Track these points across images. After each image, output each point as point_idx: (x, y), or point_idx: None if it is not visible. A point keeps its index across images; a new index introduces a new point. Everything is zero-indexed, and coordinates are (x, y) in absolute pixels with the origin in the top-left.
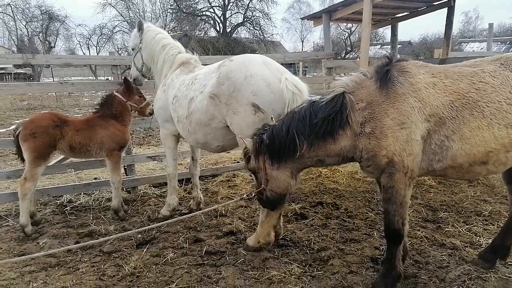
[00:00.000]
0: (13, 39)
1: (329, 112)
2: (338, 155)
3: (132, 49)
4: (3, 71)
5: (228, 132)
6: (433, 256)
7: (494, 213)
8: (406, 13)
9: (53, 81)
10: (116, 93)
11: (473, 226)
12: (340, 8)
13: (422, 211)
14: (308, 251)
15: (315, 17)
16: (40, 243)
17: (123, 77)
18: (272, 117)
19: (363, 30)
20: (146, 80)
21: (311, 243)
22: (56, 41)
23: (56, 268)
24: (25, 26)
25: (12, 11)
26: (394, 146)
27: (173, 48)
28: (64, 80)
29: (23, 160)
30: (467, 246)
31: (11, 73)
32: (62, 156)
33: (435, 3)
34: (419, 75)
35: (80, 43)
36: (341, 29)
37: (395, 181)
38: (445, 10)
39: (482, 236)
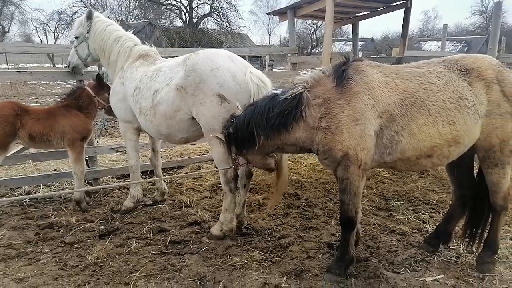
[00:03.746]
0: None
1: (285, 107)
2: (295, 145)
3: (76, 37)
4: None
5: (192, 124)
6: (384, 241)
7: (441, 202)
8: (366, 12)
9: (8, 69)
10: (87, 87)
11: (421, 214)
12: (305, 5)
13: (375, 200)
14: (269, 239)
15: (281, 13)
16: None
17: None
18: (238, 106)
19: (326, 27)
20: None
21: (273, 231)
22: (10, 25)
23: (16, 259)
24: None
25: None
26: (349, 141)
27: (127, 40)
28: (23, 70)
29: None
30: (414, 232)
31: None
32: (20, 147)
33: (393, 4)
34: (373, 74)
35: (37, 28)
36: (307, 23)
37: (350, 173)
38: (403, 10)
39: (428, 223)
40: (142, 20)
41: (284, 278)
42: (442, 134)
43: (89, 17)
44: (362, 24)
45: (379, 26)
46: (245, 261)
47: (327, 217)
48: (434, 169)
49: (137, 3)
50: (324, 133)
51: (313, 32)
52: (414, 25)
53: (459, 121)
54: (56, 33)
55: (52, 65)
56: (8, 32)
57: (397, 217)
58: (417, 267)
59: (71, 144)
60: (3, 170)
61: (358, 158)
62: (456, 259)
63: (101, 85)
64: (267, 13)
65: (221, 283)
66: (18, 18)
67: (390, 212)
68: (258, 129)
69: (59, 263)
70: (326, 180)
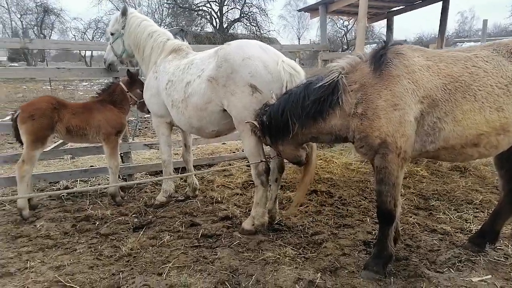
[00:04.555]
0: (7, 32)
1: (321, 95)
2: (330, 133)
3: (112, 34)
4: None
5: (223, 116)
6: (424, 241)
7: (485, 201)
8: (402, 7)
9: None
10: (120, 82)
11: (464, 213)
12: (337, 0)
13: (414, 199)
14: (302, 235)
15: (312, 9)
16: (37, 226)
17: (127, 70)
18: (272, 95)
19: (358, 22)
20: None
21: (305, 228)
22: (51, 34)
23: (53, 249)
24: (19, 19)
25: (6, 3)
26: (387, 127)
27: (161, 35)
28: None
29: (21, 143)
30: (457, 232)
31: (5, 66)
32: (59, 142)
33: None
34: (414, 57)
35: (75, 37)
36: (337, 27)
37: (388, 162)
38: (439, 7)
39: (472, 222)
40: (175, 27)
41: (319, 274)
42: (490, 121)
43: (124, 13)
44: (394, 25)
45: (412, 28)
46: (278, 256)
47: (362, 215)
48: (479, 168)
49: (170, 10)
50: (360, 120)
51: (343, 35)
52: (450, 26)
53: (509, 108)
54: (93, 41)
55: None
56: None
57: (438, 216)
58: (462, 267)
59: (106, 138)
60: (42, 167)
61: (397, 146)
62: (504, 260)
63: (134, 80)
64: (297, 10)
65: (253, 276)
66: (58, 27)
67: (430, 212)
68: (293, 117)
69: (94, 253)
70: (360, 179)
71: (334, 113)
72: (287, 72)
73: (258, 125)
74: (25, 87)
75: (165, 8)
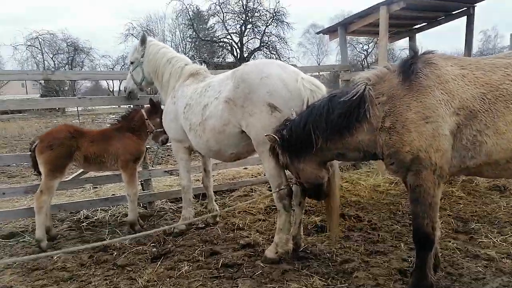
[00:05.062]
0: (38, 68)
1: (347, 108)
2: (358, 150)
3: (131, 63)
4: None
5: (242, 138)
6: (467, 268)
7: None
8: (424, 24)
9: (77, 111)
10: (142, 110)
11: (509, 236)
12: (356, 20)
13: (452, 222)
14: (330, 264)
15: (331, 31)
16: (54, 258)
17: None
18: (292, 112)
19: (380, 41)
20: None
21: (333, 255)
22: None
23: (69, 282)
24: (52, 58)
25: (40, 44)
26: (418, 142)
27: (179, 61)
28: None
29: (39, 173)
30: (504, 257)
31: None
32: (79, 171)
33: (454, 12)
34: (447, 66)
35: None
36: (357, 51)
37: (423, 180)
38: (463, 24)
39: None
40: (197, 59)
41: None
42: None
43: (143, 41)
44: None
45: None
46: (304, 287)
47: (396, 241)
48: None
49: (193, 44)
50: (388, 134)
51: (363, 59)
52: (473, 46)
53: None
54: (115, 70)
55: (117, 106)
56: None
57: (480, 240)
58: None
59: (124, 166)
60: (65, 197)
61: (432, 162)
62: None
63: (155, 109)
64: (316, 33)
65: None
66: (88, 64)
67: (470, 235)
68: (317, 130)
69: (110, 286)
70: (390, 201)
71: (362, 128)
72: (307, 89)
73: (278, 139)
74: (55, 121)
75: (188, 42)
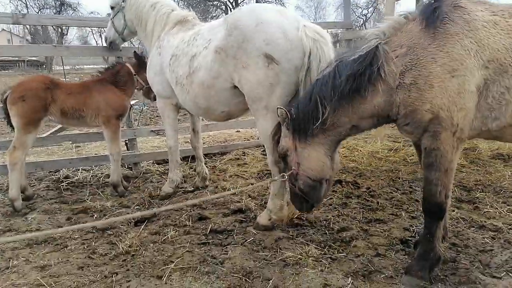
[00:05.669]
0: (26, 27)
1: (356, 69)
2: (373, 116)
3: (112, 8)
4: (17, 58)
5: (234, 94)
6: (473, 239)
7: None
8: None
9: (63, 70)
10: (128, 64)
11: None
12: None
13: (455, 190)
14: (327, 232)
15: None
16: (29, 218)
17: (133, 51)
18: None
19: None
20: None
21: (330, 223)
22: (68, 29)
23: (43, 245)
24: (37, 13)
25: None
26: (441, 99)
27: (164, 6)
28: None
29: (12, 127)
30: (511, 228)
31: (25, 61)
32: (57, 127)
33: None
34: (477, 11)
35: (92, 30)
36: (356, 15)
37: (441, 142)
38: None
39: None
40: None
41: (349, 279)
42: None
43: None
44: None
45: None
46: (299, 256)
47: (396, 209)
48: None
49: (185, 3)
50: (408, 91)
51: (362, 24)
52: None
53: None
54: (92, 16)
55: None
56: (67, 35)
57: (485, 210)
58: None
59: (106, 122)
60: (45, 154)
61: (453, 122)
62: None
63: (142, 63)
64: None
65: (271, 281)
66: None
67: (475, 205)
68: (323, 100)
69: (87, 251)
70: (389, 168)
71: (376, 89)
72: (310, 38)
73: (289, 115)
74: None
75: (180, 1)
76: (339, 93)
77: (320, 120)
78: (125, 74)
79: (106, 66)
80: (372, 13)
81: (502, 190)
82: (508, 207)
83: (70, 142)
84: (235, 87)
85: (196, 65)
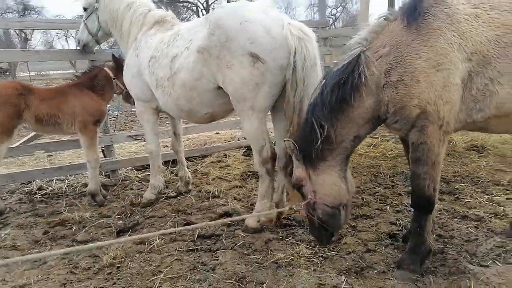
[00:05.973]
0: None
1: (339, 78)
2: (369, 121)
3: (85, 9)
4: None
5: (218, 95)
6: (458, 229)
7: None
8: None
9: (29, 76)
10: (106, 68)
11: (494, 196)
12: None
13: None
14: None
15: None
16: (2, 235)
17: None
18: None
19: None
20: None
21: None
22: (32, 33)
23: (20, 262)
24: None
25: None
26: (428, 93)
27: (141, 5)
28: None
29: None
30: (492, 217)
31: None
32: (30, 135)
33: None
34: (458, 5)
35: (58, 35)
36: (325, 15)
37: (428, 136)
38: None
39: (506, 205)
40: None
41: (343, 277)
42: None
43: None
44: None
45: None
46: (291, 257)
47: (381, 204)
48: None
49: (155, 4)
50: (395, 88)
51: (331, 24)
52: None
53: None
54: (63, 19)
55: (74, 71)
56: (31, 39)
57: (466, 200)
58: (510, 258)
59: (83, 128)
60: (15, 165)
61: (440, 116)
62: None
63: (120, 66)
64: None
65: (265, 284)
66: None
67: (456, 196)
68: (318, 120)
69: (69, 266)
70: (370, 164)
71: (360, 94)
72: (295, 36)
73: (296, 146)
74: None
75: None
76: (328, 106)
77: (320, 140)
78: (103, 78)
79: (83, 71)
80: (341, 13)
81: (479, 180)
82: (487, 196)
83: (43, 151)
84: (219, 87)
85: (178, 66)
